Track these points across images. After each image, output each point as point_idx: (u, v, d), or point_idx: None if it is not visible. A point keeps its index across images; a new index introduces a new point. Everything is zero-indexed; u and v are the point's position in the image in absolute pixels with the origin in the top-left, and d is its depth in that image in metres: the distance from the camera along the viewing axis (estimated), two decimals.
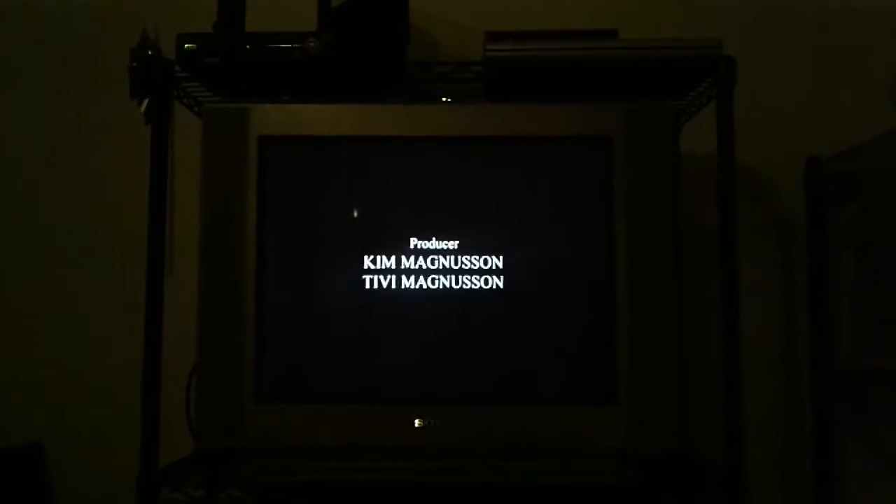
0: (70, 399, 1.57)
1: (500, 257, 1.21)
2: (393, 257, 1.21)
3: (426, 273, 1.21)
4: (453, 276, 1.21)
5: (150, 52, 1.23)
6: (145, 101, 1.24)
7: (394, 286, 1.21)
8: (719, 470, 1.17)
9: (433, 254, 1.22)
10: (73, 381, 1.57)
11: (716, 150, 1.21)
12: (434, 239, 1.22)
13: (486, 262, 1.21)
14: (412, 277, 1.21)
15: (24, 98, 1.61)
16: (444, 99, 1.40)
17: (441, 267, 1.21)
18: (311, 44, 1.21)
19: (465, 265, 1.21)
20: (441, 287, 1.21)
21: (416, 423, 1.18)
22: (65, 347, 1.58)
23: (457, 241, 1.22)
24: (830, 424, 1.49)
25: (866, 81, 1.52)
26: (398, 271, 1.21)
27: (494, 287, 1.21)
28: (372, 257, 1.21)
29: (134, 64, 1.24)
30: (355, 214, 1.24)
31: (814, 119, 1.54)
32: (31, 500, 1.50)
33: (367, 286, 1.21)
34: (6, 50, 1.62)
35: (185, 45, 1.22)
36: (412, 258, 1.22)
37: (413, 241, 1.22)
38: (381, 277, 1.21)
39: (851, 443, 1.51)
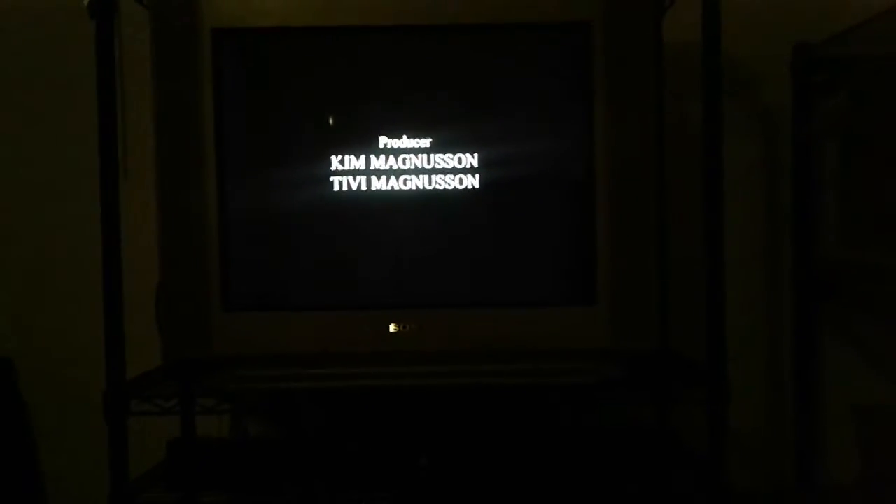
0: (38, 314, 1.53)
1: (475, 155, 1.16)
2: (362, 157, 1.16)
3: (397, 173, 1.16)
4: (426, 176, 1.16)
5: None
6: None
7: (364, 187, 1.16)
8: (702, 367, 1.15)
9: (404, 153, 1.16)
10: (41, 296, 1.53)
11: (696, 40, 1.14)
12: (405, 137, 1.16)
13: (460, 161, 1.16)
14: (383, 178, 1.16)
15: None
16: None
17: (413, 167, 1.16)
18: None
19: (439, 164, 1.16)
20: (413, 188, 1.16)
21: (392, 328, 1.15)
22: (28, 261, 1.53)
23: (429, 139, 1.16)
24: (812, 319, 1.49)
25: None
26: (368, 172, 1.16)
27: (469, 186, 1.16)
28: (339, 158, 1.16)
29: None
30: (319, 112, 1.17)
31: (804, 3, 1.47)
32: (4, 414, 1.48)
33: (336, 188, 1.16)
34: None
35: None
36: (382, 158, 1.16)
37: (382, 140, 1.16)
38: (351, 179, 1.16)
39: (832, 337, 1.51)
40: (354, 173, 1.16)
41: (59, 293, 1.53)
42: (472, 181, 1.16)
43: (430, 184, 1.16)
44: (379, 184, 1.16)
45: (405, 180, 1.16)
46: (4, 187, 1.53)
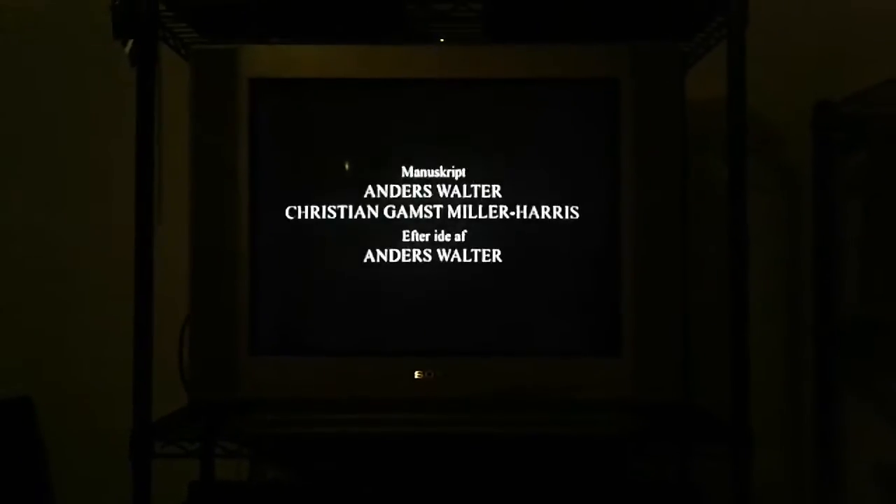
0: (60, 353, 1.54)
1: (503, 206, 1.17)
2: (391, 207, 1.17)
3: (427, 223, 1.17)
4: (455, 226, 1.17)
5: None
6: (129, 43, 1.19)
7: (393, 235, 1.17)
8: (726, 422, 1.15)
9: (434, 203, 1.18)
10: (63, 335, 1.54)
11: (717, 96, 1.16)
12: (435, 186, 1.18)
13: (487, 212, 1.17)
14: (413, 227, 1.17)
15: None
16: (440, 40, 1.34)
17: (442, 217, 1.17)
18: None
19: (468, 215, 1.17)
20: (442, 238, 1.17)
21: (416, 375, 1.15)
22: (55, 300, 1.54)
23: (457, 190, 1.18)
24: (833, 376, 1.48)
25: (882, 21, 1.48)
26: (398, 222, 1.17)
27: (497, 236, 1.17)
28: (369, 207, 1.17)
29: (117, 2, 1.18)
30: (351, 161, 1.19)
31: (826, 62, 1.50)
32: (21, 454, 1.48)
33: (365, 236, 1.17)
34: None
35: None
36: (412, 207, 1.18)
37: (414, 191, 1.18)
38: (380, 227, 1.17)
39: (853, 395, 1.50)
40: (384, 222, 1.17)
41: (80, 331, 1.54)
42: (499, 232, 1.17)
43: (457, 234, 1.17)
44: (408, 233, 1.17)
45: (434, 230, 1.17)
46: (32, 227, 1.55)
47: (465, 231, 1.17)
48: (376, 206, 1.17)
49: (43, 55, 1.56)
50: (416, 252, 1.17)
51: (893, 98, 1.33)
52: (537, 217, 1.17)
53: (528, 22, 1.24)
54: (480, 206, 1.17)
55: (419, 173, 1.17)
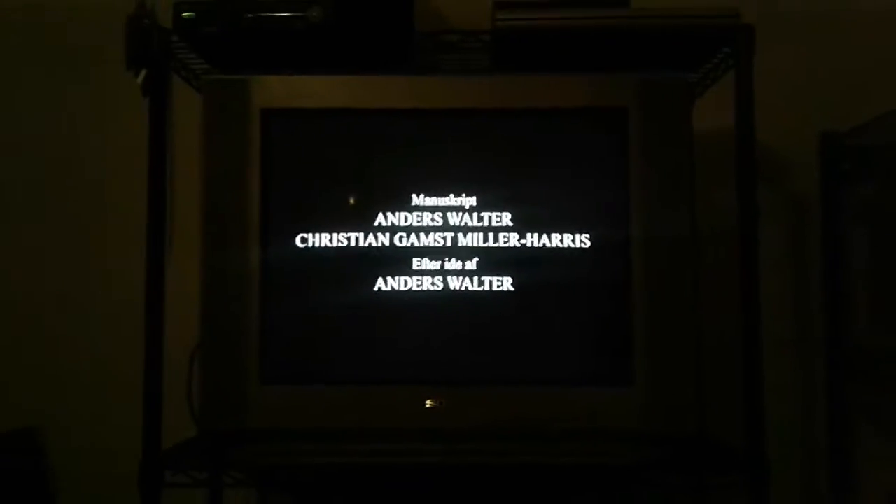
0: (70, 383, 1.53)
1: (514, 235, 1.18)
2: (402, 235, 1.18)
3: (437, 252, 1.17)
4: (465, 255, 1.17)
5: (146, 21, 1.18)
6: (142, 73, 1.20)
7: (402, 264, 1.17)
8: (740, 451, 1.14)
9: (443, 231, 1.18)
10: (72, 364, 1.53)
11: (725, 126, 1.17)
12: (445, 213, 1.18)
13: (497, 241, 1.18)
14: (424, 256, 1.17)
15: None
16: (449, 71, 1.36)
17: (452, 245, 1.17)
18: (314, 12, 1.17)
19: (477, 244, 1.18)
20: (452, 266, 1.17)
21: (427, 403, 1.14)
22: (64, 329, 1.54)
23: (467, 219, 1.18)
24: (846, 405, 1.47)
25: (887, 53, 1.49)
26: (407, 250, 1.17)
27: (507, 265, 1.17)
28: (379, 236, 1.18)
29: (130, 33, 1.19)
30: (361, 190, 1.20)
31: (831, 92, 1.51)
32: (29, 485, 1.47)
33: (376, 265, 1.17)
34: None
35: (183, 14, 1.18)
36: (422, 235, 1.18)
37: (425, 219, 1.18)
38: (391, 256, 1.17)
39: (866, 423, 1.49)
40: (395, 250, 1.17)
41: (89, 360, 1.53)
42: (510, 260, 1.17)
43: (468, 262, 1.17)
44: (419, 261, 1.17)
45: (445, 258, 1.17)
46: (39, 257, 1.55)
47: (476, 259, 1.17)
48: (387, 234, 1.17)
49: (56, 76, 1.58)
50: (427, 280, 1.17)
51: None
52: (548, 245, 1.17)
53: (536, 52, 1.25)
54: (491, 235, 1.17)
55: (430, 201, 1.18)
